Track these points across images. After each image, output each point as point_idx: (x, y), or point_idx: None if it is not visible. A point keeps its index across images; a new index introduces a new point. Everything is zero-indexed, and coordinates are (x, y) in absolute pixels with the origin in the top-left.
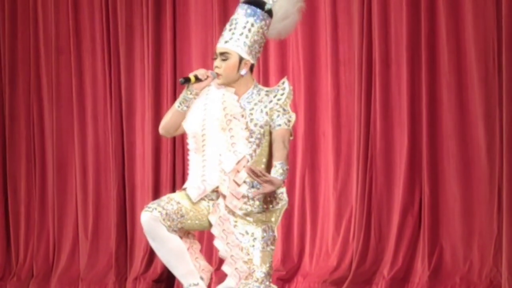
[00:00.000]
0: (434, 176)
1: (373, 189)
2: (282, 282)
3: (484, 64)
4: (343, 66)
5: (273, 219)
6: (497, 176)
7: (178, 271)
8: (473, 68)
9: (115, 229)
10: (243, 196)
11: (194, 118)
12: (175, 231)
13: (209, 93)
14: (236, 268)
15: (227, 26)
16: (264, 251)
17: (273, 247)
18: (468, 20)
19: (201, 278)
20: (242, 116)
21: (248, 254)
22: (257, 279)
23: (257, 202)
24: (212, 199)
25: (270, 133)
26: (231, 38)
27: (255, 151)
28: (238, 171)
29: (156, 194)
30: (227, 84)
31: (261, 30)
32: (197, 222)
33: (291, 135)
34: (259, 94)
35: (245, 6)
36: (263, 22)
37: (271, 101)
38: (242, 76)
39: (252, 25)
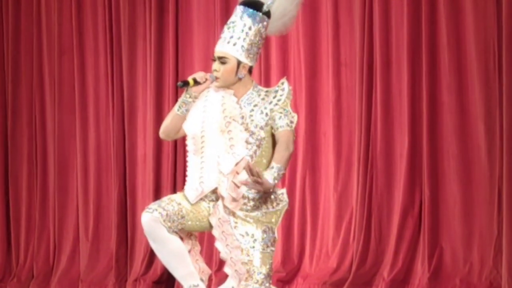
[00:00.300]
0: (434, 177)
1: (374, 190)
2: (282, 284)
3: (485, 66)
4: (344, 67)
5: (273, 220)
6: (497, 178)
7: (178, 273)
8: (474, 70)
9: (115, 230)
10: (243, 197)
11: (194, 120)
12: (175, 232)
13: (208, 95)
14: (235, 270)
15: (225, 29)
16: (264, 252)
17: (273, 248)
18: (468, 22)
19: (201, 280)
20: (242, 117)
21: (248, 255)
22: (257, 280)
23: (257, 203)
24: (212, 200)
25: (272, 134)
26: (229, 42)
27: (255, 152)
28: (237, 173)
29: (157, 195)
30: (226, 86)
31: (259, 33)
32: (197, 223)
33: (294, 136)
34: (258, 95)
35: (243, 8)
36: (260, 24)
37: (270, 102)
38: (240, 79)
39: (250, 28)
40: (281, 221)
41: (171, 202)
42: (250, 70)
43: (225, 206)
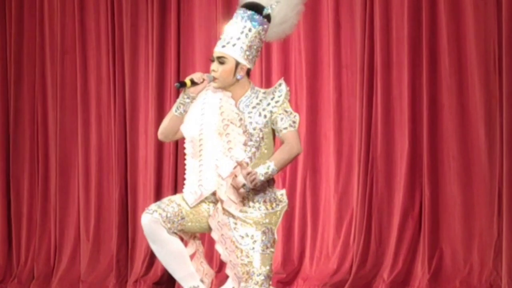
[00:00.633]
0: (434, 179)
1: (374, 192)
2: (283, 285)
3: (485, 67)
4: (345, 69)
5: (273, 221)
6: (497, 179)
7: (178, 274)
8: (474, 71)
9: (116, 231)
10: (242, 199)
11: (192, 122)
12: (175, 233)
13: (206, 97)
14: (234, 273)
15: (225, 30)
16: (264, 253)
17: (273, 250)
18: (468, 24)
19: (202, 281)
20: (240, 120)
21: (248, 257)
22: (257, 281)
23: (256, 204)
24: (212, 202)
25: (273, 135)
26: (228, 43)
27: (254, 154)
28: (235, 176)
29: (158, 196)
30: (224, 87)
31: (258, 35)
32: (197, 224)
33: (299, 136)
34: (256, 97)
35: (243, 10)
36: (260, 27)
37: (269, 104)
38: (238, 80)
39: (250, 30)
40: (281, 222)
41: (171, 203)
42: (248, 73)
43: (224, 209)
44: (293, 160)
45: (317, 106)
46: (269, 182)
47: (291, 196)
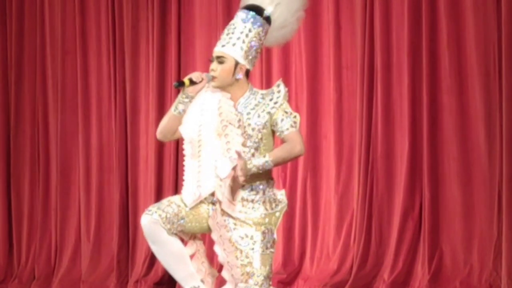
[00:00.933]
0: (434, 179)
1: (374, 192)
2: (283, 285)
3: (485, 68)
4: (345, 69)
5: (272, 222)
6: (497, 180)
7: (178, 274)
8: (474, 72)
9: (117, 231)
10: (241, 199)
11: (190, 123)
12: (175, 234)
13: (205, 97)
14: (232, 275)
15: (225, 31)
16: (264, 254)
17: (272, 250)
18: (468, 25)
19: (202, 282)
20: (239, 121)
21: (248, 257)
22: (257, 282)
23: (256, 205)
24: (211, 202)
25: (272, 136)
26: (228, 42)
27: (253, 155)
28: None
29: (159, 197)
30: (222, 87)
31: (258, 36)
32: (197, 224)
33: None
34: (255, 98)
35: (244, 11)
36: (260, 28)
37: (267, 105)
38: (237, 80)
39: (250, 30)
40: (282, 223)
41: (170, 204)
42: (247, 74)
43: (222, 210)
44: (292, 160)
45: (317, 107)
46: (269, 183)
47: (291, 196)
